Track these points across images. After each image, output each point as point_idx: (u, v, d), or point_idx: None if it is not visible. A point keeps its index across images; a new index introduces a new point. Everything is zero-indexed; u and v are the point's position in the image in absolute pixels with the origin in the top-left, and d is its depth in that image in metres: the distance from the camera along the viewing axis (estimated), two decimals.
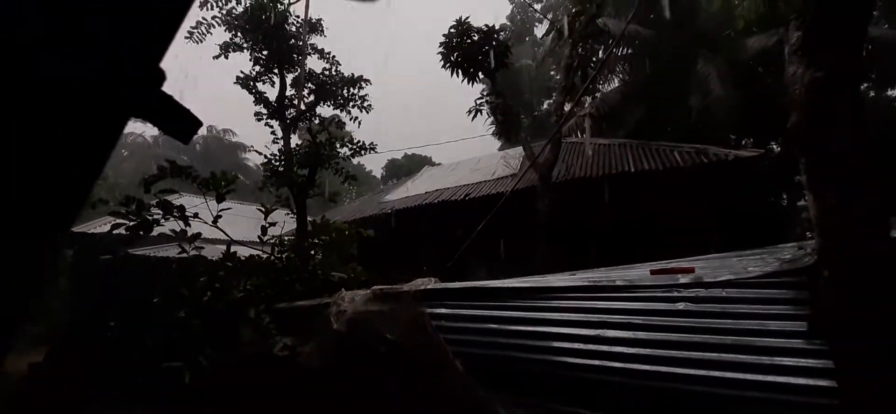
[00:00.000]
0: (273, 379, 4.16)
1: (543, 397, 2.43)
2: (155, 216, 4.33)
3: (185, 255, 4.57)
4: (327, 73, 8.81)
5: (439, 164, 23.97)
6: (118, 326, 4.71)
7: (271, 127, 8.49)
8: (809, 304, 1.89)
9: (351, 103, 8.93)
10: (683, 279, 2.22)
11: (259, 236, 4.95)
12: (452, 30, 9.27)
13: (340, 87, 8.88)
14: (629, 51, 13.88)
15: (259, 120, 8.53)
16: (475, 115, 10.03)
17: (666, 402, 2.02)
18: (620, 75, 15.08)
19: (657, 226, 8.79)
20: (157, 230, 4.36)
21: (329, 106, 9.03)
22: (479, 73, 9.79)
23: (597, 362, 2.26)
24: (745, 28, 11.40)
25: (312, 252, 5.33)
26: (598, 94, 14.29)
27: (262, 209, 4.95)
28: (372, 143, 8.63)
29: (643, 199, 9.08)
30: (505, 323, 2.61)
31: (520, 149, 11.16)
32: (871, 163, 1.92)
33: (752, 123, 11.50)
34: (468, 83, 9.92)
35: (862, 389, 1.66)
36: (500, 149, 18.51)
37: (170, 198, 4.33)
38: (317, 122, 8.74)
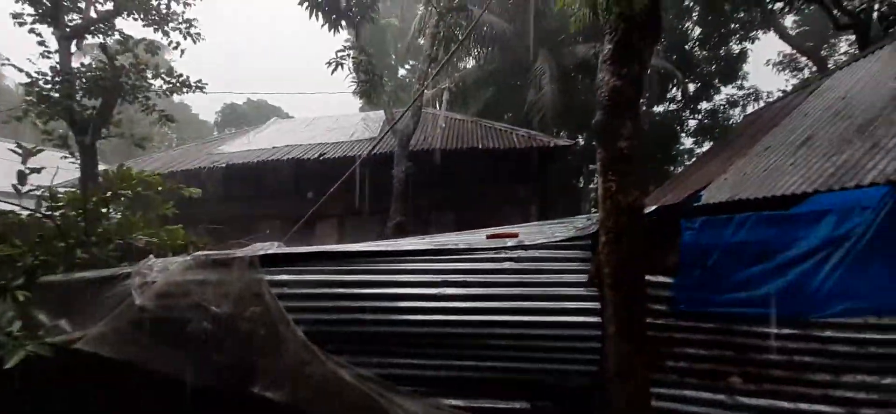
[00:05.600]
0: (44, 371, 3.15)
1: (387, 355, 2.54)
2: None
3: None
4: None
5: (291, 116, 21.61)
6: None
7: (39, 35, 6.03)
8: (590, 261, 2.48)
9: (170, 23, 7.00)
10: (510, 243, 2.61)
11: (14, 186, 3.53)
12: None
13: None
14: (485, 33, 14.99)
15: (19, 23, 5.93)
16: (335, 69, 9.31)
17: (491, 346, 2.39)
18: (476, 58, 16.23)
19: (496, 196, 10.11)
20: None
21: (137, 20, 6.88)
22: (342, 21, 9.07)
23: (437, 318, 2.48)
24: (576, 34, 13.68)
25: (106, 210, 4.13)
26: (455, 72, 15.11)
27: (18, 148, 3.54)
28: (200, 80, 7.11)
29: (487, 172, 10.22)
30: (352, 287, 2.58)
31: (381, 113, 10.98)
32: (640, 157, 2.59)
33: (566, 118, 14.08)
34: (330, 30, 9.10)
35: (616, 320, 2.29)
36: (362, 110, 17.83)
37: None
38: (116, 38, 6.59)
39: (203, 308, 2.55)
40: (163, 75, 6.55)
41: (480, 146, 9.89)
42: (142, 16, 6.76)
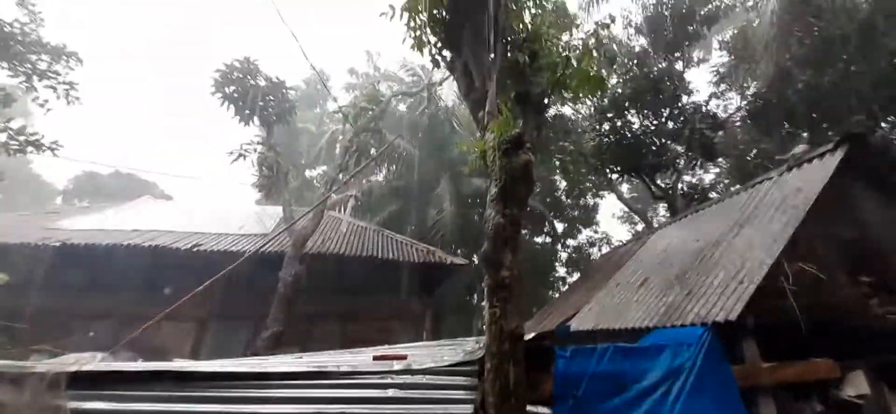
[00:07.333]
0: None
1: None
2: None
3: None
4: (17, 25, 6.19)
5: (169, 197, 19.11)
6: None
7: None
8: (476, 389, 2.47)
9: (44, 78, 6.38)
10: (397, 366, 2.49)
11: None
12: (237, 63, 8.42)
13: (30, 50, 6.28)
14: (394, 153, 16.17)
15: None
16: (237, 159, 8.82)
17: None
18: (386, 174, 17.20)
19: (390, 308, 9.82)
20: None
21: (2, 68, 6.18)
22: (255, 118, 8.98)
23: None
24: (471, 172, 15.64)
25: None
26: (364, 181, 15.66)
27: None
28: (55, 142, 6.19)
29: (383, 283, 10.02)
30: None
31: (279, 209, 10.41)
32: (523, 282, 2.86)
33: (464, 239, 15.18)
34: (240, 123, 8.88)
35: None
36: (258, 203, 16.66)
37: None
38: None
39: None
40: (10, 129, 5.70)
41: (379, 255, 9.82)
42: (8, 64, 6.12)
